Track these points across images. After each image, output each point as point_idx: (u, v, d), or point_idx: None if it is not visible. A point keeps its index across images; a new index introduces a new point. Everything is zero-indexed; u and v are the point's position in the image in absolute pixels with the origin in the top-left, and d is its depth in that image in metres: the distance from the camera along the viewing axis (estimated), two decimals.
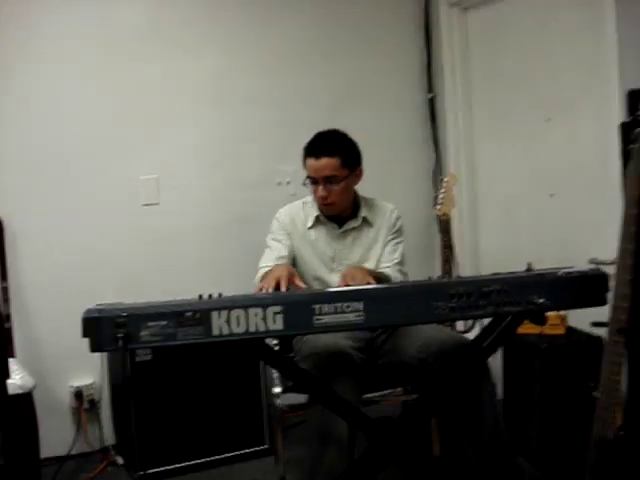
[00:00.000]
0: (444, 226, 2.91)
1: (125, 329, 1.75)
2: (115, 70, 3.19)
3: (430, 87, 3.78)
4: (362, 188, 2.71)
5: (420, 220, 3.66)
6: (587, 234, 3.00)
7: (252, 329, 1.78)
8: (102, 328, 1.76)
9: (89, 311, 1.78)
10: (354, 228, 2.64)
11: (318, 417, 2.17)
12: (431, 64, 3.78)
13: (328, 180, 2.52)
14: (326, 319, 1.81)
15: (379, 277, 2.42)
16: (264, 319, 1.78)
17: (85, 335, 1.76)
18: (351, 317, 1.82)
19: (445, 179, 2.96)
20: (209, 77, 3.38)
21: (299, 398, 2.36)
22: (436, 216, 2.94)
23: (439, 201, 2.89)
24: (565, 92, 3.14)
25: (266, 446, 3.08)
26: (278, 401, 2.50)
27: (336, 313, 1.81)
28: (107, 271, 3.17)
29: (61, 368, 3.12)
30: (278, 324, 1.78)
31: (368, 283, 2.21)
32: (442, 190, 2.89)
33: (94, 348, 1.78)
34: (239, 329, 1.77)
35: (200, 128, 3.37)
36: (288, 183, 3.42)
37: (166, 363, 2.88)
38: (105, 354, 3.11)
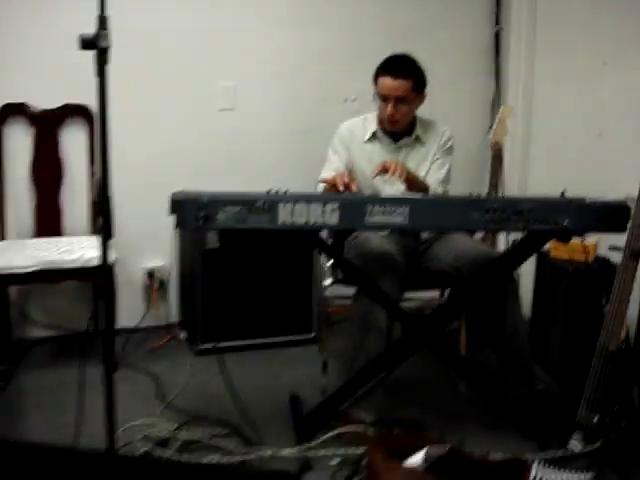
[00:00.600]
0: (495, 153, 3.16)
1: (205, 211, 2.07)
2: None
3: (497, 20, 3.94)
4: (423, 110, 2.94)
5: (474, 146, 3.88)
6: (628, 173, 3.18)
7: (311, 221, 2.09)
8: (186, 208, 2.09)
9: (176, 194, 2.11)
10: (408, 144, 2.88)
11: (362, 307, 2.50)
12: None
13: (399, 100, 2.74)
14: (376, 219, 2.11)
15: (416, 179, 2.68)
16: (323, 213, 2.09)
17: (172, 213, 2.09)
18: (397, 219, 2.11)
19: (501, 110, 3.18)
20: None
21: (346, 290, 2.70)
22: (490, 143, 3.18)
23: (493, 129, 3.12)
24: (622, 38, 3.28)
25: (313, 334, 3.45)
26: (327, 292, 2.84)
27: (384, 215, 2.11)
28: (182, 166, 3.47)
29: (137, 250, 3.48)
30: (334, 219, 2.09)
31: (402, 176, 2.50)
32: (497, 120, 3.12)
33: (178, 225, 2.11)
34: (300, 220, 2.09)
35: (277, 43, 3.61)
36: (354, 100, 3.67)
37: (231, 252, 3.22)
38: (176, 240, 3.49)
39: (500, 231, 2.81)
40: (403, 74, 2.72)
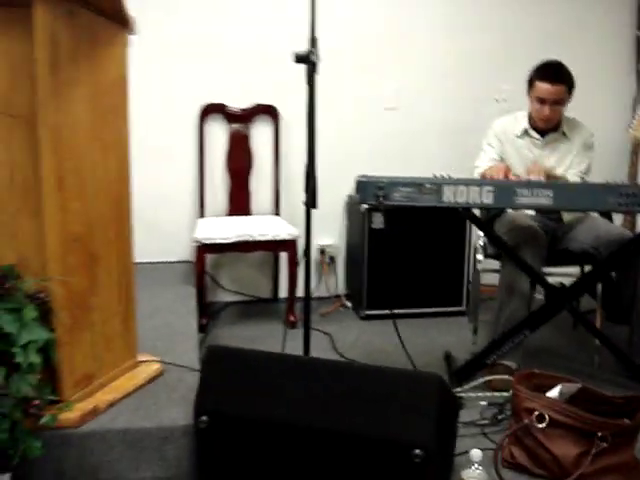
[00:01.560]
0: (634, 149, 3.49)
1: (384, 190, 2.58)
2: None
3: (639, 25, 4.24)
4: (570, 108, 3.33)
5: (615, 140, 4.16)
6: None
7: (470, 201, 2.56)
8: (368, 188, 2.60)
9: (360, 176, 2.63)
10: (554, 140, 3.28)
11: (508, 274, 2.94)
12: None
13: (555, 102, 3.14)
14: (524, 200, 2.54)
15: (555, 177, 3.05)
16: (480, 194, 2.55)
17: (357, 192, 2.62)
18: (543, 200, 2.54)
19: None
20: (445, 6, 4.10)
21: (495, 265, 3.15)
22: (629, 139, 3.51)
23: (632, 126, 3.46)
24: None
25: (464, 307, 3.92)
26: (479, 266, 3.29)
27: (532, 197, 2.54)
28: (353, 157, 3.99)
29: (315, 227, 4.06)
30: (489, 199, 2.55)
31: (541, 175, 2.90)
32: (636, 117, 3.45)
33: (361, 201, 2.64)
34: (461, 199, 2.56)
35: (435, 48, 4.09)
36: (503, 100, 4.09)
37: (393, 232, 3.72)
38: (345, 222, 4.05)
39: (631, 213, 3.15)
40: (559, 80, 3.11)
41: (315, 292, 4.08)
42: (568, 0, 4.18)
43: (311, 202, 2.49)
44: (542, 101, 3.15)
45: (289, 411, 1.88)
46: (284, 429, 1.87)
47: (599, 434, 2.07)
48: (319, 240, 4.06)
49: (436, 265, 3.87)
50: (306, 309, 2.65)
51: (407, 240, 3.80)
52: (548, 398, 2.22)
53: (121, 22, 2.12)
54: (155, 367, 2.35)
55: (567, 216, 3.21)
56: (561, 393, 2.26)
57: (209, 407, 1.94)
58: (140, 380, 2.26)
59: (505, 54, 4.11)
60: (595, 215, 3.20)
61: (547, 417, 2.14)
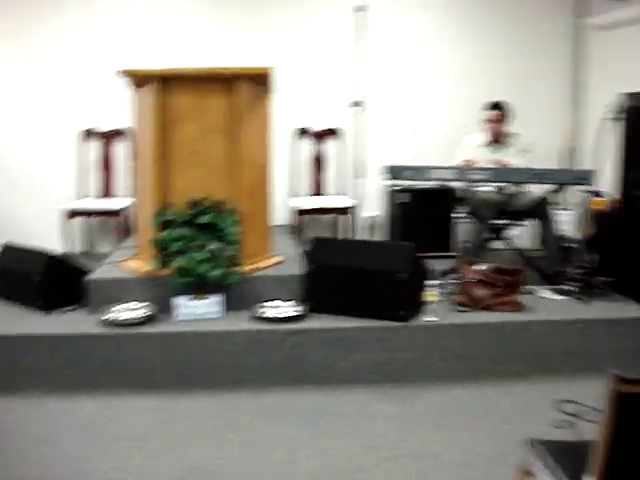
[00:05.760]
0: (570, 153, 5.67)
1: (396, 172, 4.86)
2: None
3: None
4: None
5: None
6: None
7: (444, 178, 4.84)
8: (391, 171, 4.88)
9: (391, 164, 4.91)
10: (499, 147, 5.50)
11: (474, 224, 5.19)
12: None
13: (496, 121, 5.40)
14: (475, 177, 4.80)
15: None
16: (450, 174, 4.82)
17: (385, 173, 4.90)
18: (485, 176, 4.79)
19: None
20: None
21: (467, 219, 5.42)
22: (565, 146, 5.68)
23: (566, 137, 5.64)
24: None
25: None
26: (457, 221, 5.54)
27: (480, 174, 4.80)
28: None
29: (365, 204, 6.28)
30: (454, 176, 4.81)
31: None
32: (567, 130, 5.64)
33: (388, 177, 4.91)
34: (438, 177, 4.82)
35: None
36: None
37: (414, 205, 5.94)
38: (384, 198, 6.26)
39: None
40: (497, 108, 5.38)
41: None
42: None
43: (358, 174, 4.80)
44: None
45: (343, 260, 4.18)
46: (342, 270, 4.15)
47: (497, 284, 4.28)
48: (367, 212, 6.30)
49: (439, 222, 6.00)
50: None
51: (421, 211, 6.00)
52: (472, 267, 4.44)
53: (270, 88, 4.47)
54: (280, 258, 4.68)
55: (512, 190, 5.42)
56: (485, 267, 4.46)
57: (314, 261, 4.25)
58: (274, 261, 4.60)
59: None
60: (528, 189, 5.38)
61: (472, 276, 4.36)
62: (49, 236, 5.66)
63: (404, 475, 3.07)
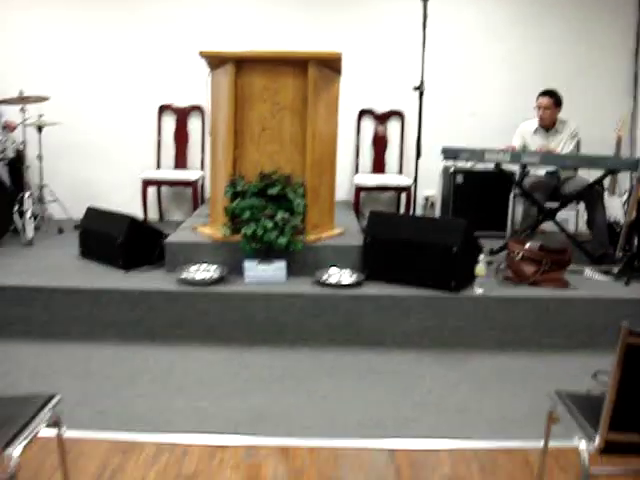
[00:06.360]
0: (618, 143, 5.85)
1: (452, 154, 5.15)
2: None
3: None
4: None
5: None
6: None
7: (499, 159, 5.11)
8: (455, 153, 5.18)
9: (449, 146, 5.20)
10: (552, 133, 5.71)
11: (527, 206, 5.45)
12: None
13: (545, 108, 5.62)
14: (528, 159, 5.06)
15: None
16: (502, 156, 5.09)
17: (442, 154, 5.19)
18: (534, 160, 5.05)
19: None
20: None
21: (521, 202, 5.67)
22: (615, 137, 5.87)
23: (617, 128, 5.82)
24: None
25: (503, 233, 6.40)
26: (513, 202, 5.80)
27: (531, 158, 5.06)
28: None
29: (422, 184, 6.56)
30: (508, 159, 5.09)
31: None
32: (619, 121, 5.82)
33: (445, 158, 5.21)
34: (493, 158, 5.10)
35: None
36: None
37: (470, 185, 6.23)
38: (440, 179, 6.54)
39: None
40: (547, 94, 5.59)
41: None
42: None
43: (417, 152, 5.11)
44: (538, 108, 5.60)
45: (403, 234, 4.50)
46: (398, 242, 4.48)
47: (543, 261, 4.55)
48: (425, 191, 6.60)
49: (493, 202, 6.25)
50: None
51: (477, 192, 6.27)
52: (522, 245, 4.71)
53: (337, 71, 4.80)
54: (341, 229, 5.03)
55: (563, 174, 5.63)
56: (530, 245, 4.72)
57: (370, 233, 4.60)
58: (336, 232, 4.97)
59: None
60: (579, 175, 5.60)
61: (521, 253, 4.63)
62: (128, 203, 6.13)
63: (448, 426, 3.38)
